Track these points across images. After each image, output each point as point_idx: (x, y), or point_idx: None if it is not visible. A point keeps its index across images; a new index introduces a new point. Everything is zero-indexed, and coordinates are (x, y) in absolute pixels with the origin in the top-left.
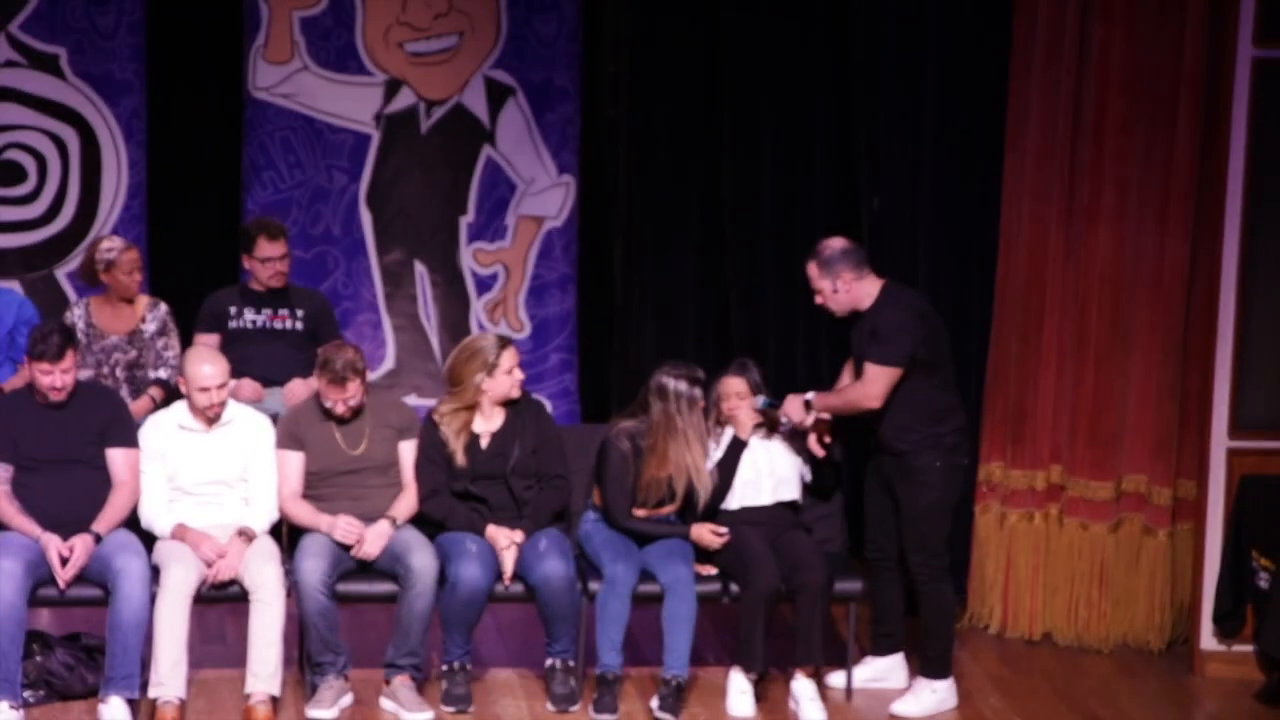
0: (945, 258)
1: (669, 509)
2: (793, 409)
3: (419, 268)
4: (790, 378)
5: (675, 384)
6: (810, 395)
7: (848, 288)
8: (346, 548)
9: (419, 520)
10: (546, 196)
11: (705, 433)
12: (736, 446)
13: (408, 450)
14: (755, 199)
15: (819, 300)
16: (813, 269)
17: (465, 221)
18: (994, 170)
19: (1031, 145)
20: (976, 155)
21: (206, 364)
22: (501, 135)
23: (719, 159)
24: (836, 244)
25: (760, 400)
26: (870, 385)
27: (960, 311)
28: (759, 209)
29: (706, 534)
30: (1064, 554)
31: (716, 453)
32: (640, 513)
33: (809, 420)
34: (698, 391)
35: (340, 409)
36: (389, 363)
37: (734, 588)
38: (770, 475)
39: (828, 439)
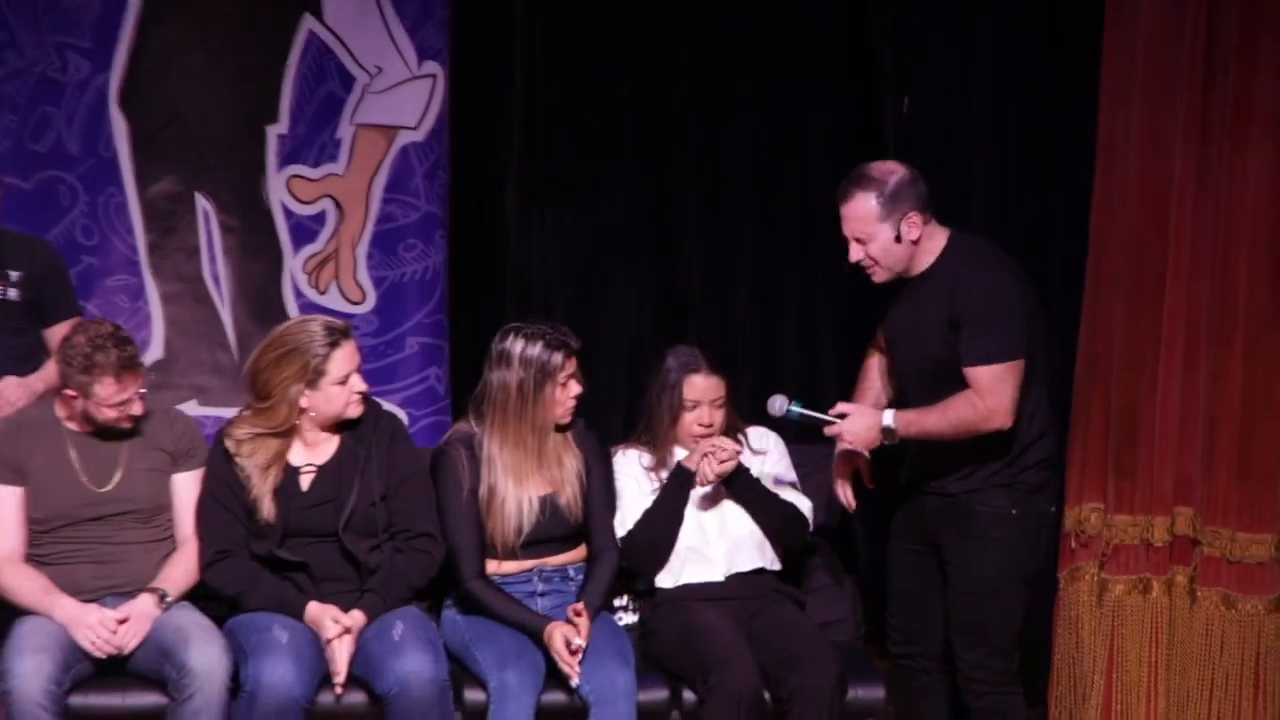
0: (1009, 188)
1: (564, 556)
2: (860, 434)
3: (203, 204)
4: (773, 375)
5: (526, 346)
6: (889, 417)
7: (914, 234)
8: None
9: (202, 595)
10: (401, 96)
11: (564, 413)
12: (681, 479)
13: (186, 487)
14: (724, 106)
15: (859, 255)
16: (869, 203)
17: (275, 133)
18: (1086, 54)
19: (1145, 12)
20: (1058, 30)
21: None
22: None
23: (669, 45)
24: (897, 167)
25: (786, 405)
26: (991, 395)
27: (1034, 272)
28: (730, 120)
29: (558, 639)
30: (1198, 644)
31: (647, 492)
32: (510, 567)
33: (865, 448)
34: (558, 358)
35: (120, 415)
36: (156, 351)
37: (690, 695)
38: (721, 536)
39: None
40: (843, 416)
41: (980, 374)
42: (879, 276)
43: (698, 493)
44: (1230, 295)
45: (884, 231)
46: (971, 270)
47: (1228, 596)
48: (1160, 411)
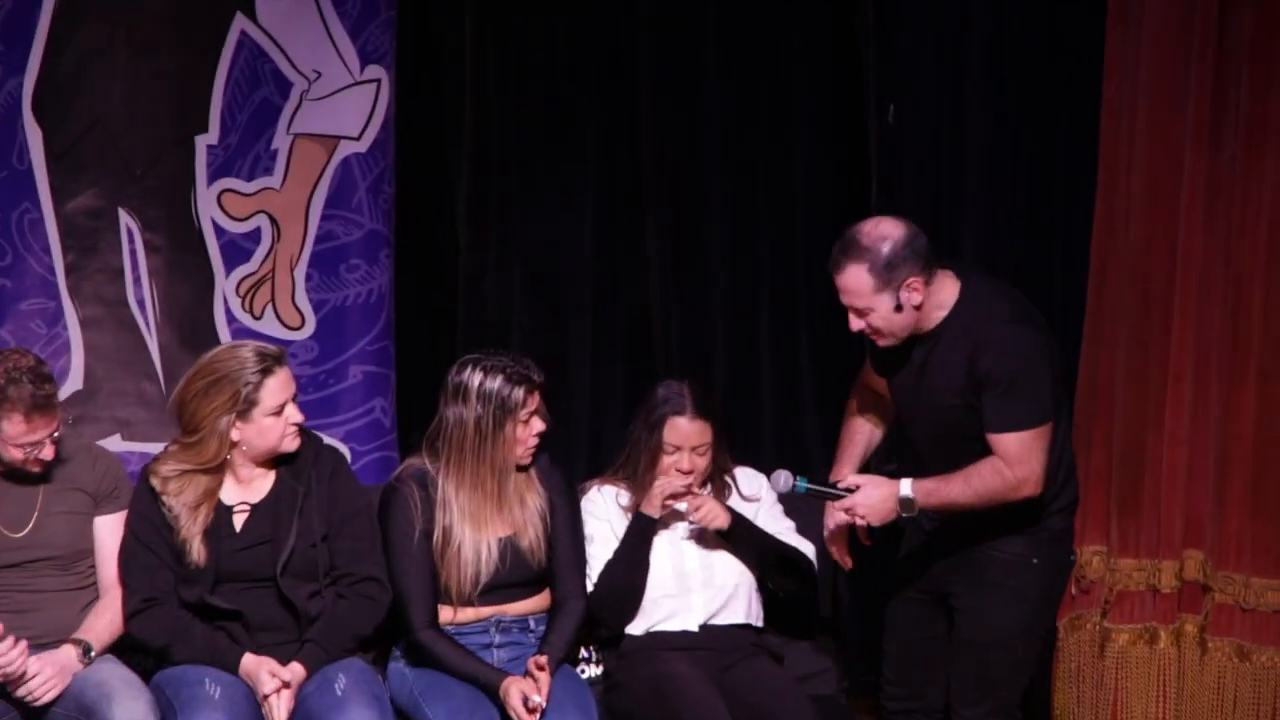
0: (1004, 202)
1: (525, 605)
2: (876, 508)
3: (126, 221)
4: (749, 401)
5: (485, 379)
6: (907, 487)
7: (917, 299)
8: (8, 695)
9: (127, 647)
10: (342, 103)
11: (525, 453)
12: (640, 526)
13: (109, 531)
14: (694, 114)
15: (859, 326)
16: (861, 277)
17: (205, 143)
18: (1086, 57)
19: (1151, 12)
20: (1056, 32)
21: None
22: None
23: (635, 46)
24: (892, 230)
25: (792, 481)
26: (1021, 464)
27: (1031, 293)
28: (701, 130)
29: (515, 695)
30: (1209, 700)
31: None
32: (466, 615)
33: (881, 522)
34: (520, 394)
35: (27, 458)
36: (75, 381)
37: None
38: (705, 586)
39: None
40: (853, 489)
41: (1008, 442)
42: (884, 342)
43: (681, 537)
44: (1244, 319)
45: (883, 303)
46: (993, 327)
47: (1241, 648)
48: (1168, 446)
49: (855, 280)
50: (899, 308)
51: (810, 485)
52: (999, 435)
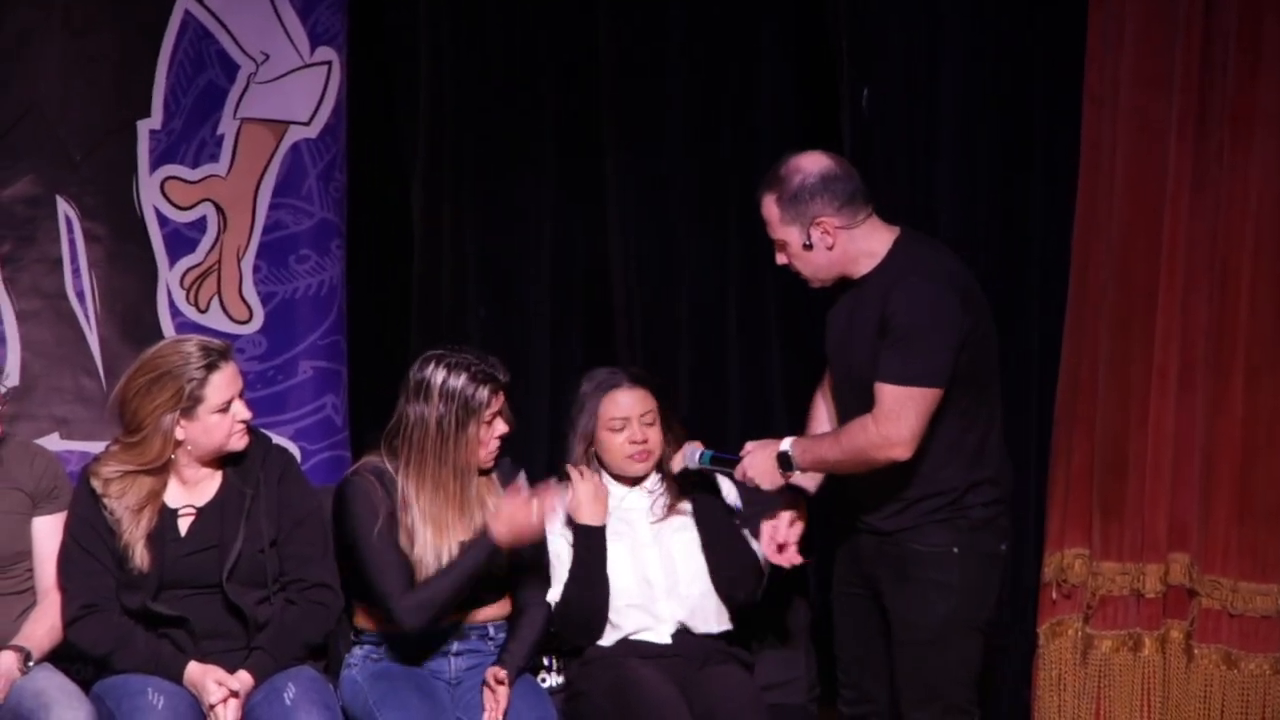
0: (982, 189)
1: (486, 612)
2: (760, 469)
3: (65, 210)
4: (716, 399)
5: (448, 377)
6: (787, 443)
7: (829, 241)
8: None
9: (66, 656)
10: (291, 87)
11: (487, 455)
12: (586, 539)
13: (47, 533)
14: (659, 99)
15: (781, 260)
16: (770, 206)
17: (147, 128)
18: (1068, 39)
19: None
20: (1037, 12)
21: None
22: None
23: (596, 28)
24: (810, 165)
25: (696, 453)
26: (888, 421)
27: (1008, 285)
28: (665, 114)
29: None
30: (1195, 709)
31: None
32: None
33: (772, 485)
34: (484, 394)
35: None
36: (11, 377)
37: None
38: (670, 594)
39: (796, 531)
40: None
41: (884, 392)
42: (812, 283)
43: (643, 544)
44: (1230, 312)
45: (792, 237)
46: (907, 278)
47: (1229, 655)
48: (1152, 444)
49: (766, 209)
50: (809, 245)
51: (713, 456)
52: (879, 385)
